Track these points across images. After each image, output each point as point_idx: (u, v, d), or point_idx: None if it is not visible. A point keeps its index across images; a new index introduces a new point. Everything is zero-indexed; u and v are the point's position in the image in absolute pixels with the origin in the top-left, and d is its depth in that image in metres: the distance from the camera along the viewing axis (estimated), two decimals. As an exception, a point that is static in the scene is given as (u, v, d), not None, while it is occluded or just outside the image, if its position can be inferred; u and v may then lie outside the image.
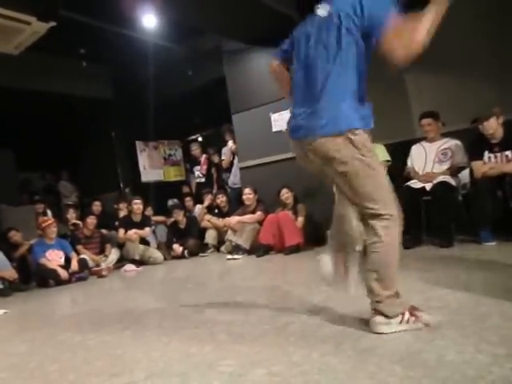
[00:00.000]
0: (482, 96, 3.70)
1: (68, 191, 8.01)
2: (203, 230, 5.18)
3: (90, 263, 4.71)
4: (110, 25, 5.11)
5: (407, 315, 1.45)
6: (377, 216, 1.45)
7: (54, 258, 4.41)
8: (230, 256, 4.34)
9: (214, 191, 5.74)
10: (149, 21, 4.96)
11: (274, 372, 1.24)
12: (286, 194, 4.39)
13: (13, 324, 2.72)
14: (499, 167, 3.08)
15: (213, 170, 6.17)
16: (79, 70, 6.53)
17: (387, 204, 1.46)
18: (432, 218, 3.41)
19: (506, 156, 3.10)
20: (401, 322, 1.44)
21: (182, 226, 5.25)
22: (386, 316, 1.45)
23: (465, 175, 3.53)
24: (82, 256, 4.67)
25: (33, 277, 4.53)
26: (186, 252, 4.96)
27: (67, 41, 5.39)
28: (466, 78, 3.95)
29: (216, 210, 5.25)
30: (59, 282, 4.22)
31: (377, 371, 1.14)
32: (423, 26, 1.26)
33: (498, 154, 3.14)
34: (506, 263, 2.38)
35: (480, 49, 3.89)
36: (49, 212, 6.03)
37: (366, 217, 1.48)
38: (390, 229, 1.45)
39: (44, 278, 4.29)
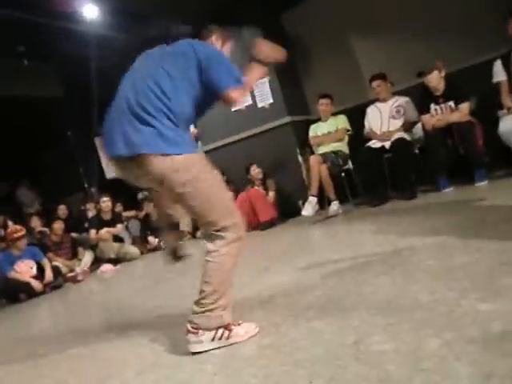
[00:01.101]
0: (423, 53, 3.83)
1: (29, 199, 7.62)
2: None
3: (64, 270, 4.55)
4: (48, 19, 4.75)
5: (221, 331, 1.35)
6: (216, 230, 1.36)
7: (24, 270, 4.13)
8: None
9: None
10: (90, 11, 4.69)
11: (264, 345, 1.28)
12: (255, 170, 4.41)
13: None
14: (446, 118, 3.25)
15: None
16: (21, 70, 6.07)
17: (226, 216, 1.37)
18: (394, 174, 3.56)
19: (450, 106, 3.28)
20: (213, 339, 1.34)
21: (155, 217, 5.18)
22: (198, 328, 1.34)
23: (418, 129, 3.69)
24: (54, 263, 4.50)
25: (1, 293, 4.26)
26: (161, 243, 4.91)
27: (2, 39, 4.99)
28: (407, 37, 4.08)
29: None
30: (32, 295, 3.99)
31: (360, 325, 1.21)
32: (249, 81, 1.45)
33: (443, 105, 3.31)
34: (462, 205, 2.56)
35: (417, 8, 3.99)
36: (10, 223, 5.73)
37: (207, 231, 1.40)
38: (228, 239, 1.36)
39: (14, 293, 4.03)
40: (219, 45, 1.65)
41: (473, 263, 1.45)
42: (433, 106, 3.35)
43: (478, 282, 1.27)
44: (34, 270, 4.21)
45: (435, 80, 3.26)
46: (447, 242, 1.80)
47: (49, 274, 4.21)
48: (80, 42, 5.51)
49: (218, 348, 1.34)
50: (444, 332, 1.02)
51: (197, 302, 1.36)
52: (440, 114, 3.31)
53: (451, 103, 3.27)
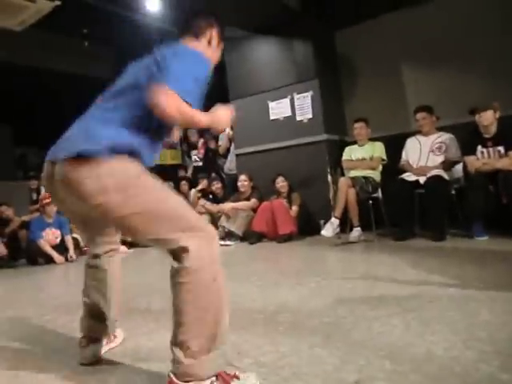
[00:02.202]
0: (476, 91, 3.71)
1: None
2: (196, 215, 5.16)
3: (82, 243, 4.68)
4: (113, 6, 5.05)
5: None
6: (176, 250, 1.06)
7: (50, 238, 4.36)
8: (222, 242, 4.33)
9: (212, 176, 5.72)
10: (152, 4, 4.90)
11: (261, 362, 1.23)
12: (281, 183, 4.36)
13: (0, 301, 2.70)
14: (492, 163, 3.08)
15: (209, 155, 6.15)
16: (81, 50, 6.45)
17: (184, 231, 1.07)
18: (425, 211, 3.42)
19: (499, 151, 3.11)
20: None
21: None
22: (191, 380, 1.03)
23: (458, 169, 3.56)
24: (74, 235, 4.65)
25: (23, 253, 4.50)
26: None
27: (70, 20, 5.33)
28: (461, 72, 3.96)
29: (210, 196, 5.23)
30: (50, 261, 4.21)
31: (365, 365, 1.14)
32: (195, 114, 1.09)
33: (491, 149, 3.14)
34: (497, 258, 2.40)
35: (475, 44, 3.88)
36: (42, 189, 5.97)
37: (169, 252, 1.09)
38: (194, 261, 1.05)
39: (35, 256, 4.26)
40: (205, 43, 1.33)
41: (498, 325, 1.34)
42: (480, 149, 3.19)
43: (502, 348, 1.17)
44: (58, 240, 4.42)
45: (489, 120, 3.10)
46: (473, 296, 1.69)
47: (71, 253, 4.36)
48: (137, 31, 5.78)
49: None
50: (456, 395, 0.94)
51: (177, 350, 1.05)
52: (486, 158, 3.15)
53: (501, 148, 3.10)
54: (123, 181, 1.07)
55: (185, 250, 1.05)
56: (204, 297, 1.05)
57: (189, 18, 1.35)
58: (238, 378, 1.08)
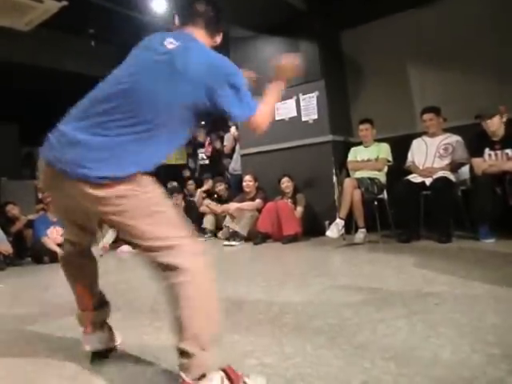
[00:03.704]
0: (484, 92, 3.68)
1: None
2: (201, 215, 5.17)
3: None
4: (120, 7, 5.09)
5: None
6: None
7: (54, 236, 4.39)
8: (226, 242, 4.33)
9: (217, 177, 5.75)
10: (159, 5, 4.91)
11: (265, 363, 1.22)
12: (286, 183, 4.35)
13: (6, 299, 2.73)
14: (499, 165, 3.05)
15: (215, 155, 6.19)
16: (87, 50, 6.49)
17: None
18: (431, 213, 3.40)
19: (507, 154, 3.08)
20: None
21: (180, 209, 5.24)
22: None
23: (464, 171, 3.53)
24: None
25: (28, 252, 4.54)
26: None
27: (77, 20, 5.37)
28: (468, 74, 3.93)
29: (215, 196, 5.24)
30: (55, 259, 4.24)
31: (371, 367, 1.13)
32: (270, 108, 1.39)
33: (499, 152, 3.12)
34: (504, 261, 2.37)
35: (484, 45, 3.85)
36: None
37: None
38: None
39: (40, 255, 4.29)
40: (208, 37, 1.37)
41: (506, 328, 1.33)
42: (487, 151, 3.16)
43: (510, 352, 1.15)
44: (62, 239, 4.44)
45: (495, 125, 3.08)
46: (479, 298, 1.67)
47: None
48: (143, 31, 5.82)
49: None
50: (463, 399, 0.93)
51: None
52: (494, 160, 3.13)
53: (508, 151, 3.07)
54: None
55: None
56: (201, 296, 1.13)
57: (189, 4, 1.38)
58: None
